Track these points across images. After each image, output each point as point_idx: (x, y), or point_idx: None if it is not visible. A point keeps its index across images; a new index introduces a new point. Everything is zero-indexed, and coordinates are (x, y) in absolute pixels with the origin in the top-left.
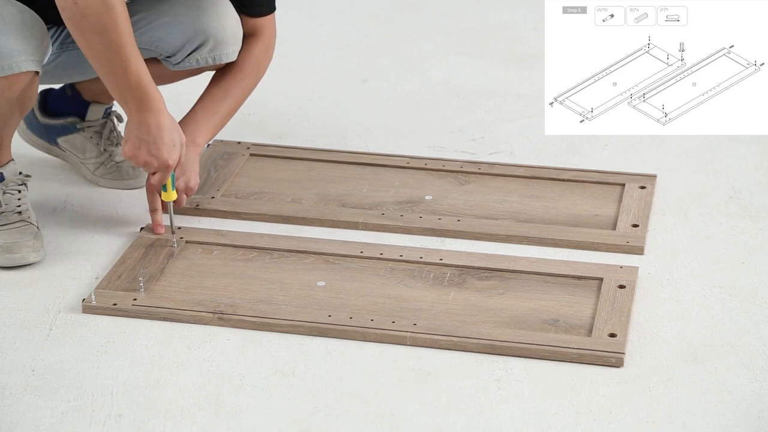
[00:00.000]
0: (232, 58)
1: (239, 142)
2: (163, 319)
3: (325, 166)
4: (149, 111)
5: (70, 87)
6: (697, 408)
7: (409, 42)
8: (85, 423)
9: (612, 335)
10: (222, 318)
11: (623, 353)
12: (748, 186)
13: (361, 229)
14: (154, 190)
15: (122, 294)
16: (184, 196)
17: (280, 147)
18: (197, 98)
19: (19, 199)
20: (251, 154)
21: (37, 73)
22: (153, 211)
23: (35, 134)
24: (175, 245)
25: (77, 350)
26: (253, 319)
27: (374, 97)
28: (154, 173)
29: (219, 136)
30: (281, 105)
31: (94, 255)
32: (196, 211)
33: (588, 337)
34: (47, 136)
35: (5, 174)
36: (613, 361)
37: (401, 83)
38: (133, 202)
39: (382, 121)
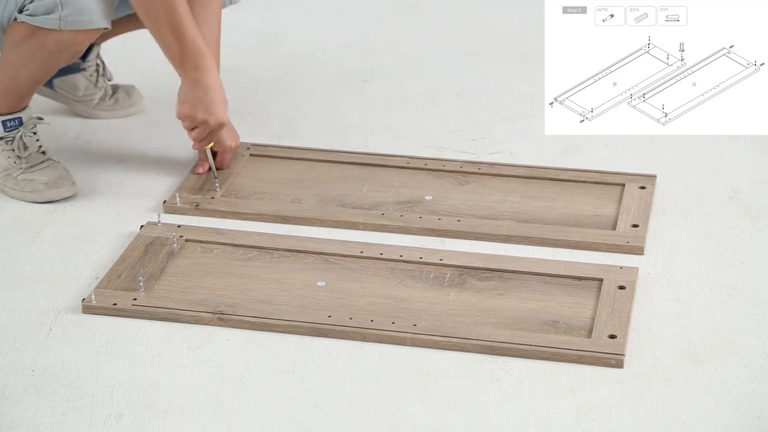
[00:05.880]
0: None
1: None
2: (163, 319)
3: (325, 166)
4: (203, 70)
5: None
6: (697, 408)
7: (409, 42)
8: (85, 423)
9: (612, 336)
10: (222, 318)
11: (623, 355)
12: (748, 186)
13: (361, 229)
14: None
15: (122, 294)
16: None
17: (280, 147)
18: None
19: (38, 140)
20: (251, 155)
21: (105, 29)
22: (202, 161)
23: None
24: (218, 184)
25: (77, 350)
26: (253, 319)
27: (374, 97)
28: (201, 132)
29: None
30: (281, 105)
31: (94, 255)
32: (196, 211)
33: (588, 339)
34: None
35: (23, 118)
36: (613, 362)
37: (401, 83)
38: (133, 202)
39: (382, 121)
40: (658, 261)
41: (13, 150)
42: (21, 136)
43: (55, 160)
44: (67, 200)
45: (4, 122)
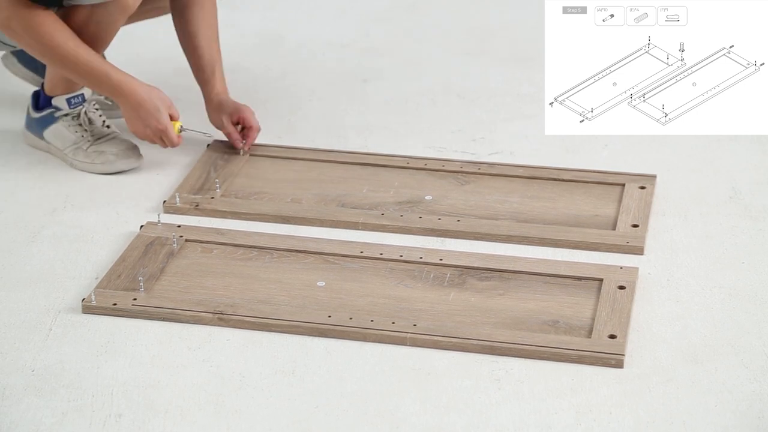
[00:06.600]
0: None
1: None
2: (163, 319)
3: (325, 166)
4: (121, 95)
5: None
6: (697, 408)
7: (409, 42)
8: (85, 423)
9: (612, 336)
10: (222, 318)
11: (623, 355)
12: (748, 186)
13: (361, 230)
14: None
15: (122, 294)
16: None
17: (280, 147)
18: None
19: (101, 116)
20: (251, 155)
21: None
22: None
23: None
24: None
25: (77, 350)
26: (253, 319)
27: (374, 97)
28: (155, 141)
29: (219, 136)
30: (281, 105)
31: (94, 255)
32: (196, 211)
33: (588, 339)
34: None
35: (86, 94)
36: (613, 362)
37: (401, 83)
38: (133, 203)
39: (382, 121)
40: (658, 261)
41: (80, 124)
42: (85, 112)
43: (119, 133)
44: (66, 200)
45: (68, 99)
